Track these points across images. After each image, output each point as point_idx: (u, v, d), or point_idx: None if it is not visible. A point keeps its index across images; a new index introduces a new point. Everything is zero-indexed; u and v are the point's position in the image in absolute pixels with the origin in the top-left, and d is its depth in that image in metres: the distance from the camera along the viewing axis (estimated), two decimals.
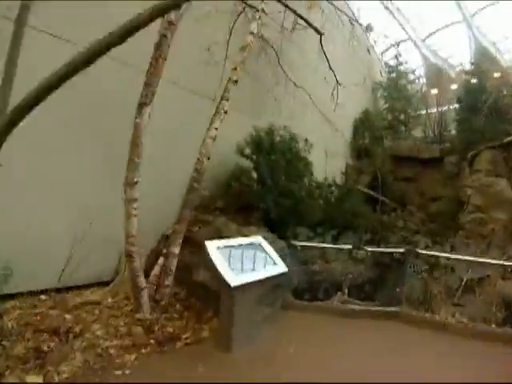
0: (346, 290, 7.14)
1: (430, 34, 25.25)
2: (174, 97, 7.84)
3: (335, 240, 8.94)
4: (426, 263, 7.61)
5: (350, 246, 7.94)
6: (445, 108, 19.72)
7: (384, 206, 14.98)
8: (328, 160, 13.93)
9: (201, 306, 6.52)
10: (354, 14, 16.44)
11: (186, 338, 5.62)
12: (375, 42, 21.94)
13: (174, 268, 6.73)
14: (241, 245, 5.57)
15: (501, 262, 7.60)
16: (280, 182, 8.35)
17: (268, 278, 5.27)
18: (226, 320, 5.28)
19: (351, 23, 16.85)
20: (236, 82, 7.53)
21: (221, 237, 6.63)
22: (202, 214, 8.25)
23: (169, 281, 6.77)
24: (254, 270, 5.21)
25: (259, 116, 10.12)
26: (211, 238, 6.18)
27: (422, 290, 7.09)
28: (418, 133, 20.24)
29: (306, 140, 9.42)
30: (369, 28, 20.80)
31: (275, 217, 8.14)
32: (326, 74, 11.45)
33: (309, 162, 9.44)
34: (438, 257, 7.94)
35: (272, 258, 5.64)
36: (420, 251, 7.55)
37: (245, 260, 5.28)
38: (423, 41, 25.28)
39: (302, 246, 7.69)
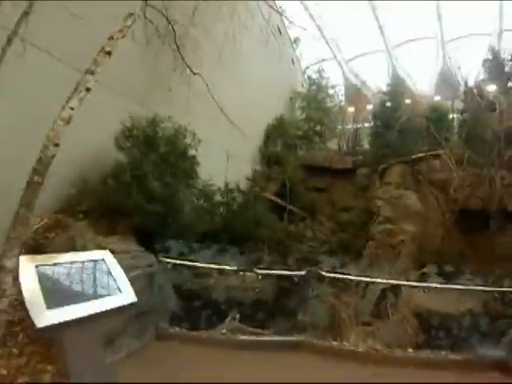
0: (237, 316, 5.77)
1: (354, 58, 26.67)
2: (38, 65, 6.35)
3: (222, 255, 7.48)
4: (333, 286, 6.52)
5: (234, 268, 6.56)
6: (360, 125, 20.38)
7: (292, 215, 14.04)
8: (232, 164, 12.68)
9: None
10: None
11: None
12: (301, 54, 22.28)
13: (7, 287, 4.95)
14: (76, 262, 3.85)
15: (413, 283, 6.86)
16: (155, 184, 6.69)
17: (110, 310, 3.66)
18: (62, 363, 3.67)
19: (279, 31, 16.61)
20: (109, 53, 5.94)
21: (74, 248, 5.02)
22: (68, 216, 6.54)
23: (3, 304, 5.00)
24: (85, 299, 3.53)
25: (149, 104, 8.53)
26: (65, 248, 4.90)
27: (328, 314, 5.96)
28: (332, 145, 20.18)
29: (194, 134, 7.83)
30: (297, 40, 21.37)
31: (146, 225, 6.52)
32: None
33: (196, 161, 7.87)
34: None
35: (117, 283, 4.00)
36: (324, 274, 6.46)
37: (75, 285, 3.60)
38: (347, 62, 26.55)
39: (175, 263, 6.18)
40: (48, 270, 3.49)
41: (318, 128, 19.67)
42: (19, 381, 4.23)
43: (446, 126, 15.58)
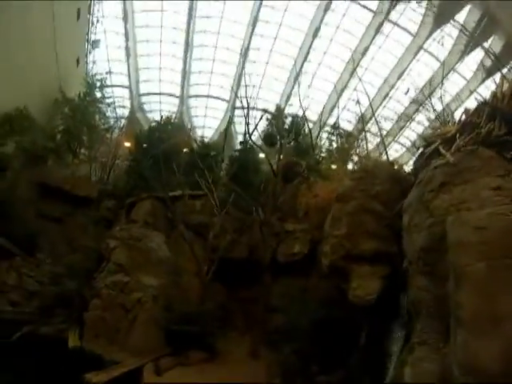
0: None
1: (147, 94, 27.59)
2: None
3: None
4: None
5: None
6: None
7: None
8: None
9: None
10: None
11: None
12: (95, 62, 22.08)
13: None
14: None
15: None
16: None
17: None
18: None
19: None
20: None
21: None
22: None
23: None
24: None
25: None
26: None
27: None
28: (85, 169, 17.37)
29: None
30: (95, 44, 21.50)
31: None
32: None
33: None
34: None
35: None
36: None
37: None
38: (139, 96, 27.25)
39: None
40: None
41: (74, 144, 16.81)
42: None
43: (214, 164, 14.64)
